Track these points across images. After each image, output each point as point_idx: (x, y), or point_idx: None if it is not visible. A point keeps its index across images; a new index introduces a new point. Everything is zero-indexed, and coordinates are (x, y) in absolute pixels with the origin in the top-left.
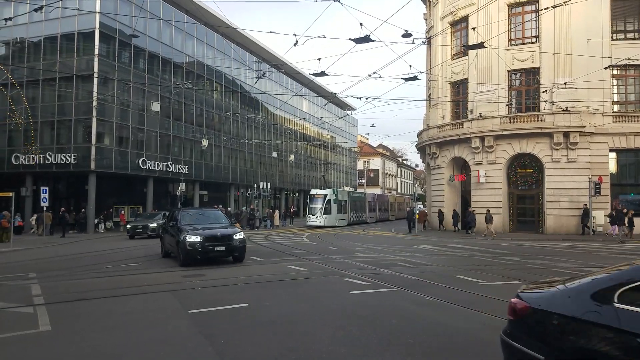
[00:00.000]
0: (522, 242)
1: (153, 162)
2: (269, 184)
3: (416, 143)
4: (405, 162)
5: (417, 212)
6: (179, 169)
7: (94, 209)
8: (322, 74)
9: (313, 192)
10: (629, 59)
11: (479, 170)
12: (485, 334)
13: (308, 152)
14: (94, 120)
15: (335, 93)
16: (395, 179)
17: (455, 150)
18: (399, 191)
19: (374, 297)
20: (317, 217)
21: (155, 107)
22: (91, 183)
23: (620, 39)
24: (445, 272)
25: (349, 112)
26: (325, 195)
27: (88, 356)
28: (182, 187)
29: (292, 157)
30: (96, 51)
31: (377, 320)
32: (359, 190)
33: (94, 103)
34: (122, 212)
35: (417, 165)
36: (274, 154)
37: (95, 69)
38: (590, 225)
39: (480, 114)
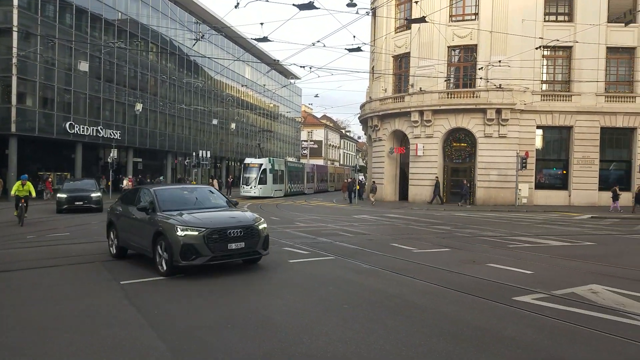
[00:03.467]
0: (454, 213)
1: (82, 126)
2: (208, 152)
3: (359, 115)
4: (348, 133)
5: (357, 182)
6: (110, 134)
7: (15, 175)
8: (265, 39)
9: (248, 160)
10: (557, 40)
11: (417, 144)
12: (416, 297)
13: (250, 121)
14: (14, 78)
15: (278, 60)
16: (338, 151)
17: (395, 124)
18: (341, 162)
19: (312, 265)
20: (251, 188)
21: (84, 66)
22: (12, 147)
23: (552, 21)
24: (382, 240)
25: (292, 80)
26: (261, 165)
27: (12, 329)
28: (113, 153)
29: (233, 125)
30: (15, 2)
31: (314, 288)
32: (302, 160)
33: (14, 60)
34: (49, 179)
35: (359, 137)
36: (214, 122)
37: (15, 22)
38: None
39: (420, 88)
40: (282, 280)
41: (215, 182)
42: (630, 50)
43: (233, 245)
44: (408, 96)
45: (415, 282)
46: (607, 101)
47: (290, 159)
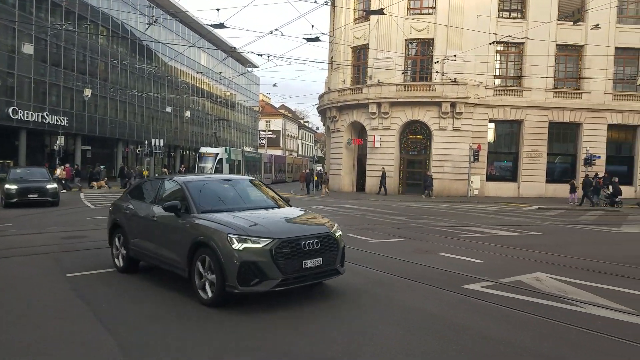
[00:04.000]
0: (409, 204)
1: (26, 111)
2: (162, 140)
3: (318, 106)
4: (307, 124)
5: (315, 174)
6: (57, 120)
7: None
8: (221, 25)
9: (203, 150)
10: (510, 36)
11: (374, 135)
12: (370, 287)
13: (206, 109)
14: None
15: (235, 48)
16: (296, 141)
17: (354, 115)
18: (300, 153)
19: None
20: None
21: (28, 49)
22: None
23: (505, 17)
24: None
25: (250, 69)
26: (217, 154)
27: None
28: (60, 140)
29: (188, 113)
30: None
31: None
32: (260, 150)
33: None
34: None
35: (317, 128)
36: (168, 109)
37: None
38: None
39: (378, 80)
40: None
41: (165, 171)
42: (578, 48)
43: (309, 263)
44: (366, 88)
45: (369, 272)
46: (556, 97)
47: (247, 149)
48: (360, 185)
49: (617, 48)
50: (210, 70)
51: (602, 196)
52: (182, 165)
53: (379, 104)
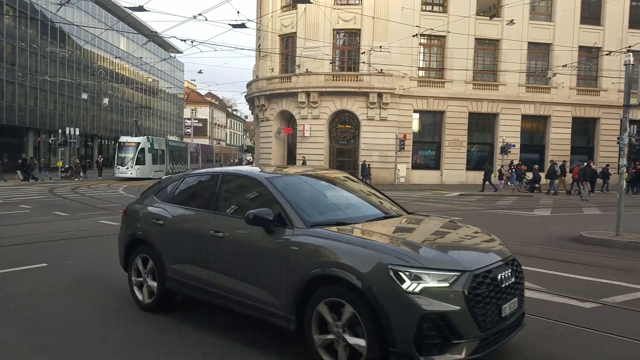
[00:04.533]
0: None
1: None
2: (77, 129)
3: (246, 94)
4: (235, 112)
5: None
6: None
7: None
8: (141, 8)
9: (123, 139)
10: (432, 29)
11: (304, 125)
12: None
13: (126, 96)
14: None
15: (157, 32)
16: (224, 130)
17: (283, 104)
18: (228, 142)
19: None
20: (127, 168)
21: None
22: None
23: (428, 11)
24: None
25: (173, 54)
26: (138, 144)
27: None
28: None
29: (106, 101)
30: None
31: None
32: (186, 140)
33: None
34: None
35: (246, 117)
36: (84, 96)
37: None
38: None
39: (307, 69)
40: None
41: (77, 162)
42: (495, 42)
43: (507, 309)
44: (295, 77)
45: None
46: (475, 88)
47: (172, 138)
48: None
49: (529, 43)
50: (130, 55)
51: (523, 182)
52: (100, 156)
53: (308, 93)
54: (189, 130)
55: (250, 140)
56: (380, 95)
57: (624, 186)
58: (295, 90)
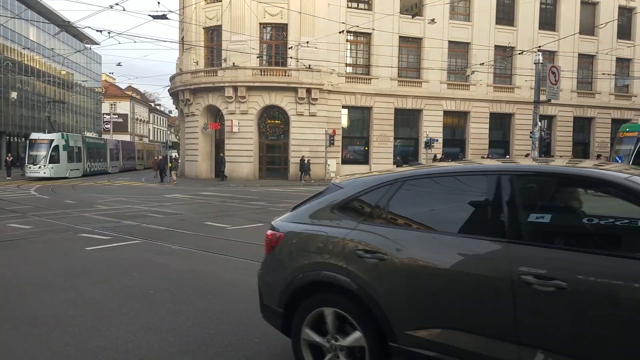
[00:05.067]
0: (269, 188)
1: None
2: None
3: (169, 88)
4: (158, 107)
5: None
6: None
7: None
8: None
9: (35, 136)
10: (358, 26)
11: (232, 120)
12: (229, 275)
13: (37, 89)
14: None
15: (70, 21)
16: (147, 125)
17: (209, 99)
18: (151, 138)
19: (114, 251)
20: (40, 167)
21: None
22: None
23: (354, 8)
24: (195, 220)
25: (89, 46)
26: (52, 141)
27: None
28: None
29: (14, 95)
30: None
31: (115, 276)
32: (105, 136)
33: None
34: None
35: (170, 112)
36: None
37: None
38: (309, 174)
39: (233, 63)
40: (75, 271)
41: None
42: (418, 40)
43: None
44: (221, 71)
45: (228, 260)
46: (400, 85)
47: (89, 134)
48: (220, 171)
49: (450, 42)
50: (40, 46)
51: None
52: (9, 154)
53: (235, 88)
54: (108, 126)
55: (175, 136)
56: (309, 90)
57: None
58: (222, 85)
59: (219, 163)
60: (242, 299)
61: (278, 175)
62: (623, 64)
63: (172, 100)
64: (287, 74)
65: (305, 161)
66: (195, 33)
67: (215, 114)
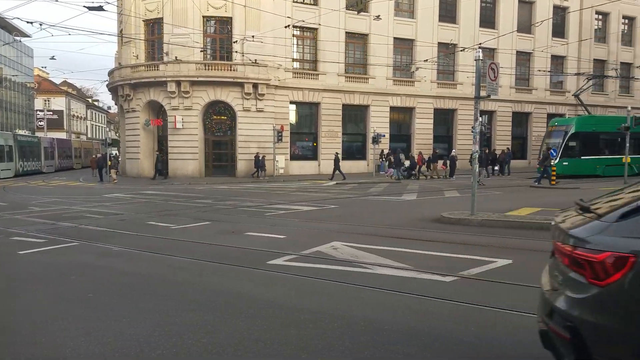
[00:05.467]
0: (216, 186)
1: None
2: None
3: (108, 83)
4: (96, 103)
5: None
6: None
7: None
8: None
9: None
10: (304, 21)
11: (175, 116)
12: (173, 275)
13: None
14: None
15: None
16: (84, 122)
17: (151, 94)
18: (89, 136)
19: (50, 254)
20: None
21: None
22: None
23: (300, 3)
24: (137, 219)
25: (19, 38)
26: None
27: None
28: None
29: None
30: None
31: (52, 280)
32: (38, 134)
33: None
34: None
35: (109, 108)
36: None
37: None
38: (265, 170)
39: (176, 57)
40: (10, 275)
41: None
42: (364, 37)
43: None
44: (163, 65)
45: (172, 260)
46: (347, 81)
47: (21, 132)
48: (164, 169)
49: (395, 38)
50: None
51: (401, 170)
52: None
53: (178, 83)
54: (42, 123)
55: (115, 133)
56: (255, 86)
57: (477, 170)
58: (165, 79)
59: (157, 161)
60: (187, 298)
61: (225, 172)
62: (557, 61)
63: (111, 95)
64: (232, 68)
65: (260, 157)
66: (135, 26)
67: (157, 110)
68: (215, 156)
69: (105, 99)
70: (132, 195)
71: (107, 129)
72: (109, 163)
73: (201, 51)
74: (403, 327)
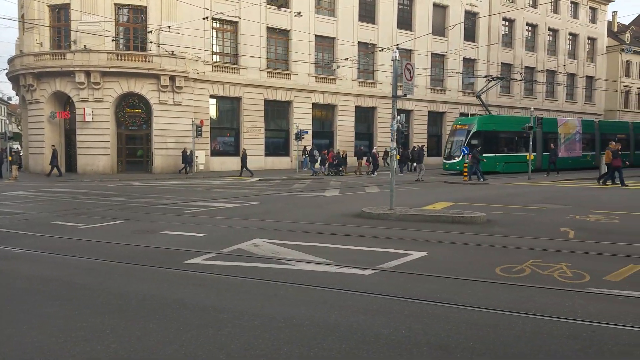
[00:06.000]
0: (130, 182)
1: None
2: None
3: (7, 72)
4: None
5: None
6: None
7: None
8: None
9: None
10: (222, 13)
11: (84, 108)
12: (80, 277)
13: None
14: None
15: None
16: None
17: (57, 84)
18: None
19: None
20: None
21: None
22: None
23: None
24: (41, 219)
25: None
26: None
27: None
28: None
29: None
30: None
31: None
32: None
33: None
34: None
35: (10, 98)
36: None
37: None
38: (192, 166)
39: (85, 46)
40: None
41: None
42: (286, 32)
43: None
44: (71, 54)
45: (80, 261)
46: (269, 76)
47: None
48: (71, 164)
49: (316, 36)
50: None
51: (327, 166)
52: None
53: (87, 73)
54: None
55: (17, 126)
56: (172, 78)
57: (395, 167)
58: (72, 69)
59: (53, 157)
60: (95, 302)
61: (140, 168)
62: (469, 63)
63: (11, 85)
64: (147, 59)
65: (188, 153)
66: (39, 11)
67: (64, 102)
68: (129, 151)
69: (6, 89)
70: (36, 193)
71: (8, 122)
72: (10, 158)
73: (112, 40)
74: (322, 321)
